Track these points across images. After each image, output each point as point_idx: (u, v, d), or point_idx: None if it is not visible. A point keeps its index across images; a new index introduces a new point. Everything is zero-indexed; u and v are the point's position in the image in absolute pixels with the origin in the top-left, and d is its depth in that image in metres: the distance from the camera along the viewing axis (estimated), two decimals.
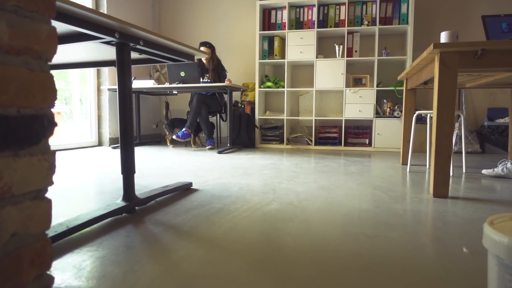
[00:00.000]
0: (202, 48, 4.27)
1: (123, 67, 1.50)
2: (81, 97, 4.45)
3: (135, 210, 1.53)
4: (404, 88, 3.03)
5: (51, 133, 0.67)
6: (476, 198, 1.82)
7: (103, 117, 4.59)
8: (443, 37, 1.90)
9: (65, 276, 0.92)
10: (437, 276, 0.93)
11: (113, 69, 4.64)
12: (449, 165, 1.80)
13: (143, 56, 1.78)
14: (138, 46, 1.50)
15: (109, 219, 1.41)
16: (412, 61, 4.04)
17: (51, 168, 0.67)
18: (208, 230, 1.29)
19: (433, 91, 4.35)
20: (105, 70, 4.54)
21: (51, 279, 0.69)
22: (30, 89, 0.62)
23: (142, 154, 3.69)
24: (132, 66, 1.94)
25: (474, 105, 4.35)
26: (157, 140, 5.36)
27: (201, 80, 4.41)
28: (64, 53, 1.65)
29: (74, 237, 1.20)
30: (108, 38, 1.34)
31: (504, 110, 4.20)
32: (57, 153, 3.73)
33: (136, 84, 4.17)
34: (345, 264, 1.00)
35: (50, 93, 0.66)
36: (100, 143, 4.64)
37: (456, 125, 4.06)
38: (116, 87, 4.23)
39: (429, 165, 2.89)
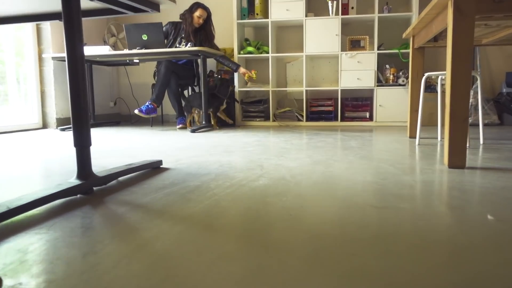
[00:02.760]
0: (199, 11, 4.14)
1: (71, 19, 1.43)
2: (18, 76, 4.27)
3: (92, 190, 1.49)
4: (410, 48, 3.05)
5: None
6: (497, 167, 1.85)
7: (47, 94, 4.45)
8: None
9: (7, 261, 0.88)
10: (459, 243, 0.93)
11: (58, 33, 4.48)
12: (466, 130, 1.82)
13: (95, 4, 1.71)
14: None
15: (61, 200, 1.37)
16: None
17: None
18: (184, 208, 1.27)
19: (444, 50, 4.42)
20: (48, 34, 4.38)
21: None
22: None
23: (99, 135, 3.61)
24: (82, 20, 1.86)
25: (490, 69, 4.42)
26: (115, 120, 5.26)
27: (177, 45, 4.31)
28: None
29: (17, 220, 1.15)
30: None
31: None
32: None
33: (88, 50, 4.04)
34: (351, 236, 0.99)
35: None
36: (45, 125, 4.51)
37: (471, 92, 4.13)
38: (63, 54, 4.14)
39: (441, 138, 2.93)
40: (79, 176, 1.46)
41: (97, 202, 1.36)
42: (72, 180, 1.45)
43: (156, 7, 1.79)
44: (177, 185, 1.59)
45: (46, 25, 4.39)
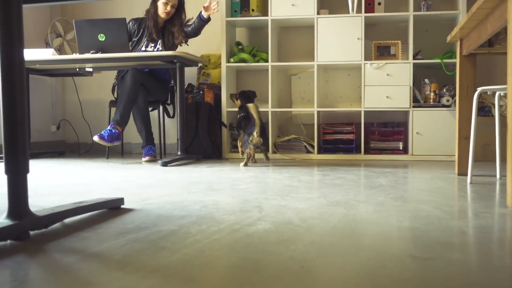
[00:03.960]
0: None
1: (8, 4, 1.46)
2: None
3: (28, 235, 1.47)
4: (457, 55, 3.11)
5: None
6: None
7: None
8: None
9: None
10: None
11: None
12: None
13: None
14: None
15: None
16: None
17: None
18: (155, 258, 1.26)
19: (502, 58, 4.49)
20: None
21: None
22: None
23: (37, 169, 3.60)
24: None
25: None
26: (58, 150, 5.25)
27: (143, 49, 4.38)
28: None
29: None
30: None
31: None
32: None
33: (26, 54, 4.08)
34: None
35: None
36: None
37: None
38: None
39: (501, 176, 2.95)
40: (11, 214, 1.44)
41: (35, 250, 1.34)
42: (0, 219, 1.44)
43: None
44: (144, 230, 1.58)
45: None
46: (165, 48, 4.34)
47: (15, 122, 1.46)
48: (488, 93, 3.08)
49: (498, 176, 2.95)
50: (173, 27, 4.35)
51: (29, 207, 1.50)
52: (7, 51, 1.47)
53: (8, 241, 1.42)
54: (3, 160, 1.48)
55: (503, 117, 3.35)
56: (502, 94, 2.92)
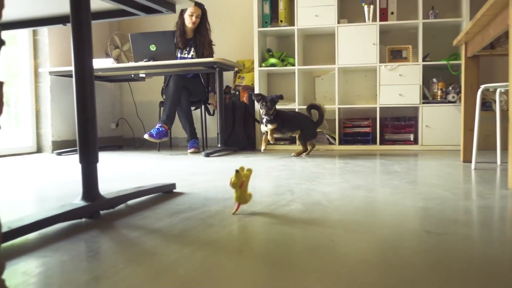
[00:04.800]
0: (190, 9, 4.26)
1: (80, 17, 1.50)
2: (8, 99, 4.43)
3: (99, 214, 1.51)
4: (462, 57, 3.05)
5: None
6: None
7: (43, 113, 4.58)
8: None
9: (12, 283, 0.89)
10: None
11: (56, 44, 4.64)
12: None
13: (105, 5, 1.78)
14: None
15: (64, 223, 1.39)
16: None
17: None
18: (205, 233, 1.28)
19: (502, 60, 4.38)
20: (45, 46, 4.54)
21: (0, 265, 0.67)
22: None
23: (101, 160, 3.67)
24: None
25: None
26: (117, 144, 5.34)
27: (179, 56, 4.42)
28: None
29: (19, 242, 1.18)
30: None
31: None
32: None
33: None
34: (408, 262, 0.99)
35: None
36: (39, 149, 4.62)
37: None
38: (62, 69, 4.28)
39: (502, 162, 2.90)
40: (85, 197, 1.49)
41: (106, 226, 1.38)
42: (76, 201, 1.48)
43: (171, 7, 1.86)
44: (195, 210, 1.60)
45: (44, 37, 4.56)
46: (197, 56, 4.39)
47: (86, 121, 1.50)
48: (490, 90, 3.02)
49: (498, 162, 2.89)
50: (202, 37, 4.39)
51: (99, 191, 1.55)
52: (80, 62, 1.51)
53: (83, 219, 1.46)
54: (76, 152, 1.52)
55: (503, 111, 3.28)
56: (502, 91, 2.86)
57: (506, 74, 1.91)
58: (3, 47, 0.67)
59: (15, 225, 1.18)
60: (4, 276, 0.68)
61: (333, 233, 1.25)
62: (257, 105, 4.56)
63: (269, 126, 3.61)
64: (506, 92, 3.89)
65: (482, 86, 2.68)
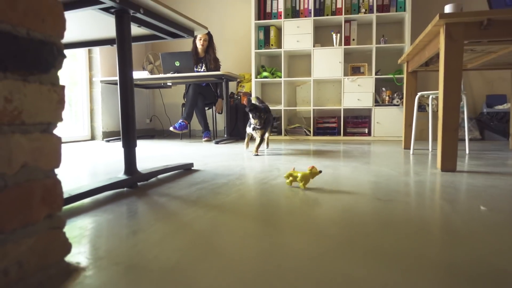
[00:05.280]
0: (199, 35, 4.24)
1: (123, 40, 1.47)
2: (70, 100, 4.37)
3: (137, 185, 1.50)
4: (404, 71, 3.04)
5: (60, 64, 0.64)
6: (484, 171, 1.82)
7: (96, 111, 4.54)
8: (448, 9, 1.90)
9: (71, 235, 0.89)
10: (458, 230, 0.92)
11: (106, 60, 4.59)
12: (456, 138, 1.80)
13: (142, 31, 1.76)
14: (138, 15, 1.47)
15: (111, 192, 1.38)
16: None
17: (61, 102, 0.65)
18: (215, 199, 1.27)
19: (433, 74, 4.38)
20: (97, 62, 4.49)
21: (62, 221, 0.66)
22: (39, 11, 0.60)
23: (139, 146, 3.65)
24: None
25: (472, 92, 4.38)
26: (151, 134, 5.31)
27: (195, 70, 4.38)
28: None
29: (76, 206, 1.17)
30: (109, 3, 1.31)
31: (502, 97, 4.23)
32: None
33: None
34: (363, 220, 0.98)
35: (59, 21, 0.63)
36: (93, 137, 4.58)
37: None
38: (109, 78, 4.23)
39: (432, 149, 2.89)
40: (126, 172, 1.48)
41: (141, 194, 1.37)
42: (120, 175, 1.47)
43: (191, 33, 1.83)
44: (207, 182, 1.59)
45: (96, 54, 4.50)
46: (207, 69, 4.35)
47: (128, 116, 1.48)
48: (424, 96, 3.02)
49: (430, 149, 2.89)
50: (209, 56, 4.34)
51: (137, 168, 1.53)
52: (123, 73, 1.49)
53: (125, 189, 1.45)
54: (120, 140, 1.50)
55: (433, 112, 3.26)
56: (433, 97, 2.85)
57: (437, 85, 1.91)
58: (65, 60, 0.65)
59: (74, 193, 1.17)
60: (64, 230, 0.67)
61: (309, 199, 1.25)
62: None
63: (259, 133, 2.86)
64: (436, 98, 3.88)
65: (419, 93, 2.66)
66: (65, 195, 1.13)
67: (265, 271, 0.68)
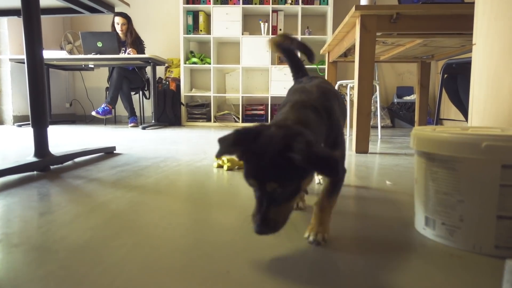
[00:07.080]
0: (116, 19, 3.97)
1: (30, 8, 1.32)
2: None
3: (49, 168, 1.37)
4: (326, 61, 3.18)
5: None
6: (391, 153, 1.99)
7: (4, 92, 4.05)
8: (363, 2, 2.02)
9: None
10: (365, 197, 0.98)
11: (16, 35, 4.10)
12: (369, 122, 1.93)
13: (54, 2, 1.59)
14: None
15: (18, 175, 1.24)
16: None
17: None
18: (136, 180, 1.21)
19: (351, 65, 4.65)
20: (5, 36, 4.00)
21: None
22: None
23: (56, 131, 3.35)
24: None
25: (385, 84, 4.75)
26: (71, 120, 4.91)
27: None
28: None
29: None
30: None
31: (410, 88, 4.66)
32: None
33: (46, 54, 3.73)
34: None
35: None
36: (1, 122, 4.09)
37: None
38: (20, 56, 3.79)
39: (349, 135, 3.08)
40: (36, 154, 1.34)
41: (54, 177, 1.25)
42: (29, 158, 1.33)
43: (111, 9, 1.70)
44: (129, 165, 1.51)
45: (4, 29, 4.00)
46: (132, 52, 4.08)
47: (37, 91, 1.34)
48: (343, 85, 3.19)
49: (348, 135, 3.07)
50: (129, 39, 4.06)
51: (49, 150, 1.40)
52: (30, 45, 1.34)
53: (35, 172, 1.32)
54: (27, 125, 1.36)
55: (351, 100, 3.47)
56: (351, 86, 3.03)
57: (354, 74, 2.02)
58: None
59: None
60: None
61: (231, 179, 1.25)
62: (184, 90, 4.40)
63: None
64: (353, 87, 4.14)
65: (338, 82, 2.81)
66: None
67: (184, 245, 0.67)
